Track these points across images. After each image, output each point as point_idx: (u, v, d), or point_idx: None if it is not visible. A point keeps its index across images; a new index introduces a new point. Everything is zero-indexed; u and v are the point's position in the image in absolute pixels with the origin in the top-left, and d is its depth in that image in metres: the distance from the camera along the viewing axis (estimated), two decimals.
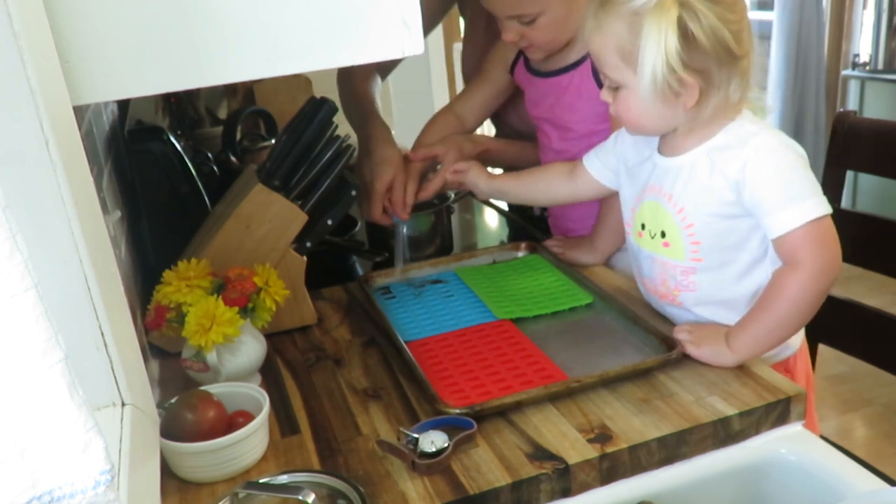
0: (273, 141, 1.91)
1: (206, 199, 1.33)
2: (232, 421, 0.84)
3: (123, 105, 1.48)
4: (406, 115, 1.62)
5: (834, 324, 1.39)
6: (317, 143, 1.14)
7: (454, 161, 1.32)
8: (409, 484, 0.78)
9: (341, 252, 1.45)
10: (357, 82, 1.51)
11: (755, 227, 0.95)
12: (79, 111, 0.82)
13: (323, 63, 0.78)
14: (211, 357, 0.92)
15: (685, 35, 0.86)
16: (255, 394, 0.88)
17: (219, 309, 0.92)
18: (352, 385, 0.99)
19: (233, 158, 1.81)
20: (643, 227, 1.04)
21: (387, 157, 1.34)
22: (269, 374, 1.03)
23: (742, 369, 0.93)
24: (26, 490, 0.45)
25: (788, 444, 0.86)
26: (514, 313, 1.12)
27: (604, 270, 1.27)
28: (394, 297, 1.23)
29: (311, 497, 0.67)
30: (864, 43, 3.71)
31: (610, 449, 0.81)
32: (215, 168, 1.62)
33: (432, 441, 0.80)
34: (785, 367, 1.06)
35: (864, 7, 3.69)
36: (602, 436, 0.83)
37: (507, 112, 1.52)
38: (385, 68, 1.69)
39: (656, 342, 0.99)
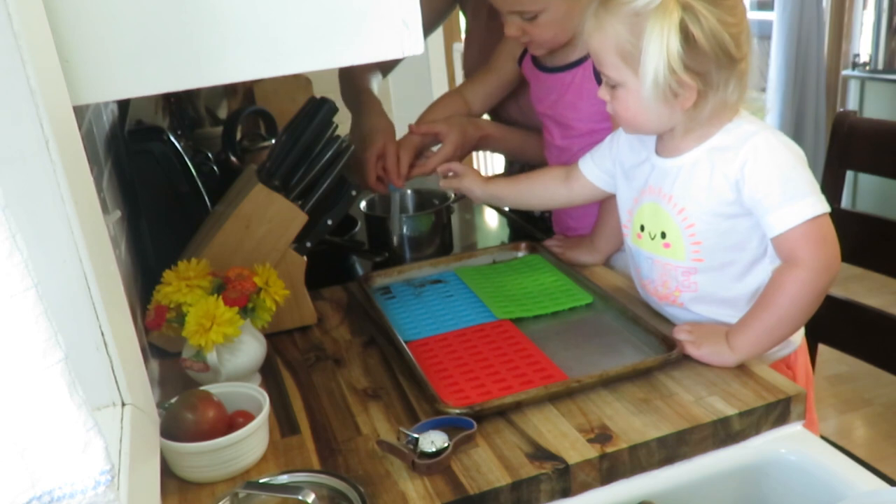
0: (273, 141, 1.91)
1: (206, 199, 1.33)
2: (232, 421, 0.84)
3: (123, 105, 1.48)
4: (406, 115, 1.64)
5: (834, 324, 1.39)
6: (317, 143, 1.14)
7: (455, 142, 1.35)
8: (409, 484, 0.78)
9: (341, 252, 1.45)
10: (357, 69, 1.55)
11: (755, 226, 0.96)
12: (79, 111, 0.82)
13: (323, 63, 0.78)
14: (211, 357, 0.92)
15: (686, 37, 0.87)
16: (255, 394, 0.88)
17: (219, 309, 0.92)
18: (352, 385, 0.99)
19: (233, 158, 1.81)
20: (642, 228, 1.04)
21: (377, 126, 1.40)
22: (269, 374, 1.03)
23: (742, 369, 0.93)
24: (26, 490, 0.45)
25: (788, 444, 0.86)
26: (514, 313, 1.12)
27: (604, 270, 1.27)
28: (394, 297, 1.23)
29: (311, 497, 0.67)
30: (864, 43, 3.71)
31: (610, 449, 0.81)
32: (215, 168, 1.62)
33: (432, 441, 0.80)
34: (786, 363, 1.06)
35: (864, 7, 3.69)
36: (602, 436, 0.83)
37: (507, 103, 1.54)
38: (386, 67, 1.70)
39: (656, 342, 0.99)
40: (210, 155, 1.67)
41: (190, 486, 0.82)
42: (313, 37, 0.77)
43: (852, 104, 3.66)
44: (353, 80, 1.56)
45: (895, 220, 1.34)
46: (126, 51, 0.72)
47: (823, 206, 0.90)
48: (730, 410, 0.85)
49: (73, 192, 0.62)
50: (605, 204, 1.23)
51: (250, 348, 0.98)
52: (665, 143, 1.00)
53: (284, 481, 0.74)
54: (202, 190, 1.33)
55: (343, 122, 1.34)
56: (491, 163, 3.73)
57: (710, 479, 0.85)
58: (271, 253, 1.10)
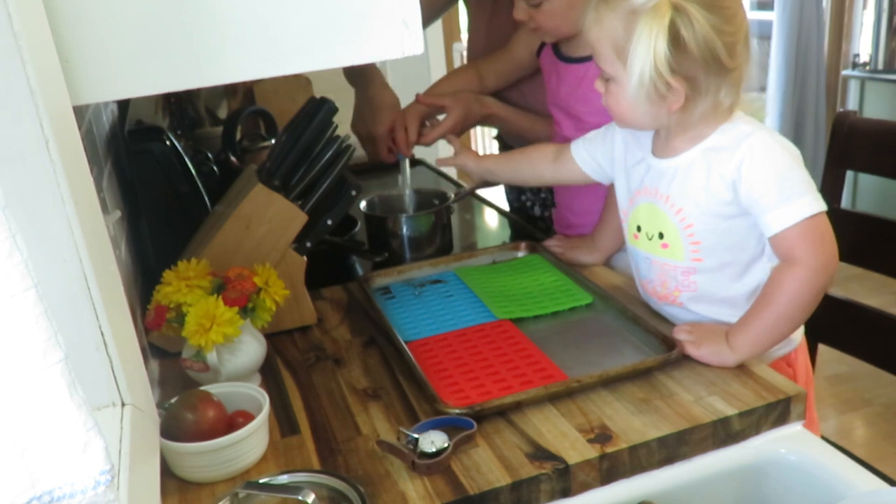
0: (273, 141, 1.91)
1: (206, 199, 1.33)
2: (232, 421, 0.84)
3: (123, 105, 1.48)
4: None
5: (834, 324, 1.39)
6: (317, 143, 1.14)
7: (456, 117, 1.41)
8: (408, 484, 0.78)
9: (341, 252, 1.45)
10: None
11: (753, 225, 0.96)
12: (79, 111, 0.82)
13: (323, 63, 0.78)
14: (211, 357, 0.92)
15: (676, 41, 0.87)
16: (255, 394, 0.88)
17: (219, 309, 0.92)
18: (352, 385, 0.99)
19: (233, 158, 1.81)
20: (638, 229, 1.04)
21: (385, 102, 1.51)
22: (269, 374, 1.03)
23: (742, 369, 0.93)
24: (26, 490, 0.45)
25: (788, 444, 0.86)
26: (514, 313, 1.12)
27: (604, 270, 1.27)
28: (393, 297, 1.23)
29: (311, 497, 0.67)
30: (864, 43, 3.71)
31: (610, 449, 0.81)
32: (215, 168, 1.62)
33: (432, 441, 0.80)
34: (787, 361, 1.06)
35: (864, 7, 3.69)
36: (602, 436, 0.83)
37: (510, 87, 1.55)
38: None
39: (656, 342, 0.99)
40: (210, 155, 1.67)
41: (190, 486, 0.82)
42: (313, 37, 0.77)
43: (852, 104, 3.66)
44: None
45: (895, 220, 1.35)
46: (126, 51, 0.72)
47: (820, 205, 0.91)
48: (730, 410, 0.85)
49: (73, 192, 0.62)
50: (608, 201, 1.23)
51: (250, 348, 0.98)
52: (660, 143, 1.01)
53: (284, 481, 0.74)
54: (202, 190, 1.33)
55: (343, 123, 1.34)
56: (490, 149, 3.74)
57: (710, 479, 0.85)
58: (271, 253, 1.10)
